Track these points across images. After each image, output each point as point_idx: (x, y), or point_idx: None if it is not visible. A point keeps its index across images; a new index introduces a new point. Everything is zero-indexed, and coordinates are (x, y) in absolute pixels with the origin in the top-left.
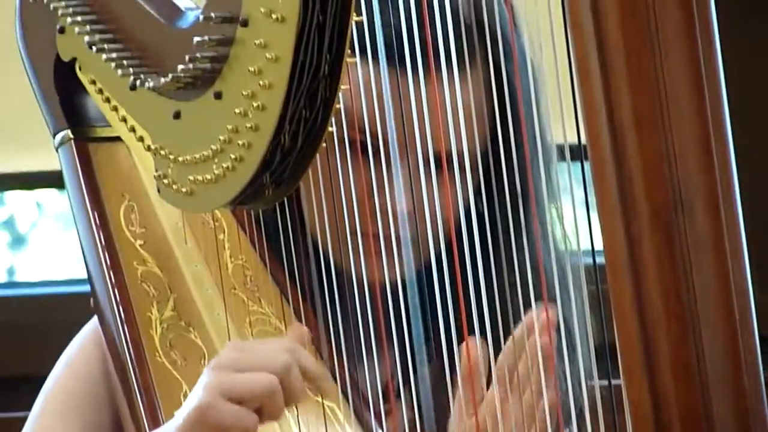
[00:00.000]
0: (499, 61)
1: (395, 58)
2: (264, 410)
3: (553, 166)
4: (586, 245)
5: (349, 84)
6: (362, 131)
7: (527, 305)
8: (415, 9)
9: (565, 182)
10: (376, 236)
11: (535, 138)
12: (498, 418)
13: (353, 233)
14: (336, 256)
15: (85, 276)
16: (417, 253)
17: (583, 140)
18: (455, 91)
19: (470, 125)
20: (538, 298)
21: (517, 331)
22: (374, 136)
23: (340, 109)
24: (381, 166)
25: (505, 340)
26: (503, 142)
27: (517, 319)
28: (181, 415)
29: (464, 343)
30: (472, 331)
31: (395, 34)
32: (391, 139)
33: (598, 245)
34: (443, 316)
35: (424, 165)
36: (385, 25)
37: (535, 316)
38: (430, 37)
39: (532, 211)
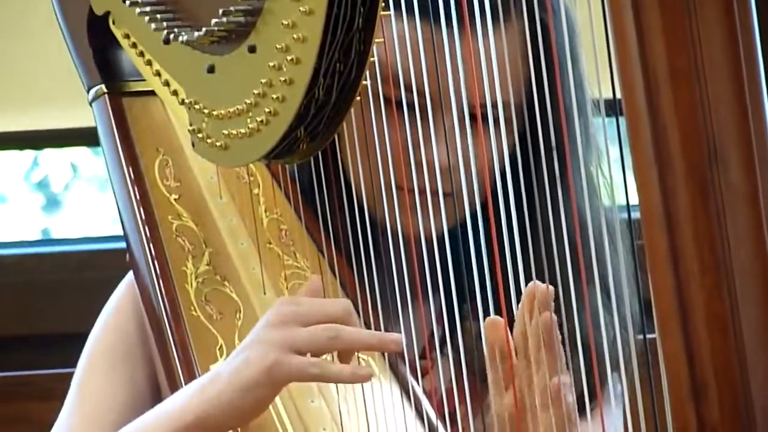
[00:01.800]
0: (535, 12)
1: (430, 12)
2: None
3: (590, 120)
4: (620, 200)
5: (384, 38)
6: (398, 86)
7: (564, 261)
8: None
9: (600, 136)
10: (413, 190)
11: (572, 92)
12: (525, 393)
13: (390, 187)
14: (373, 210)
15: (120, 233)
16: (454, 207)
17: (618, 95)
18: (492, 43)
19: (507, 78)
20: (575, 253)
21: (519, 308)
22: (410, 91)
23: (374, 62)
24: (418, 120)
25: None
26: (541, 95)
27: (553, 275)
28: (237, 374)
29: (488, 320)
30: (508, 289)
31: None
32: (428, 93)
33: (633, 200)
34: (479, 273)
35: (461, 119)
36: None
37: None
38: None
39: (568, 165)
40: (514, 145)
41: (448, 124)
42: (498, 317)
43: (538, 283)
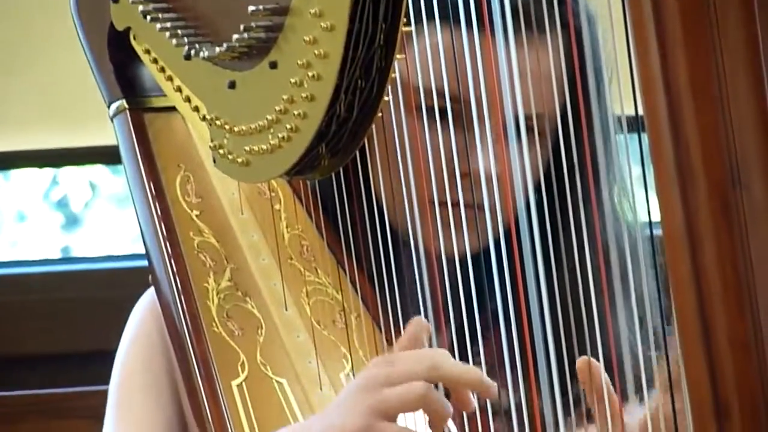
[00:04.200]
0: (574, 25)
1: (467, 21)
2: (429, 417)
3: (613, 136)
4: (642, 218)
5: (404, 53)
6: (429, 94)
7: (597, 281)
8: None
9: (622, 154)
10: (435, 203)
11: (607, 106)
12: None
13: (423, 202)
14: (398, 225)
15: (140, 251)
16: (476, 224)
17: (640, 112)
18: (527, 52)
19: (545, 90)
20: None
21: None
22: (443, 97)
23: (396, 78)
24: (455, 130)
25: (566, 317)
26: (576, 110)
27: (576, 292)
28: None
29: (581, 361)
30: (529, 311)
31: None
32: (448, 98)
33: (655, 218)
34: (502, 292)
35: (496, 130)
36: None
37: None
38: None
39: (602, 180)
40: (548, 160)
41: (480, 134)
42: (588, 359)
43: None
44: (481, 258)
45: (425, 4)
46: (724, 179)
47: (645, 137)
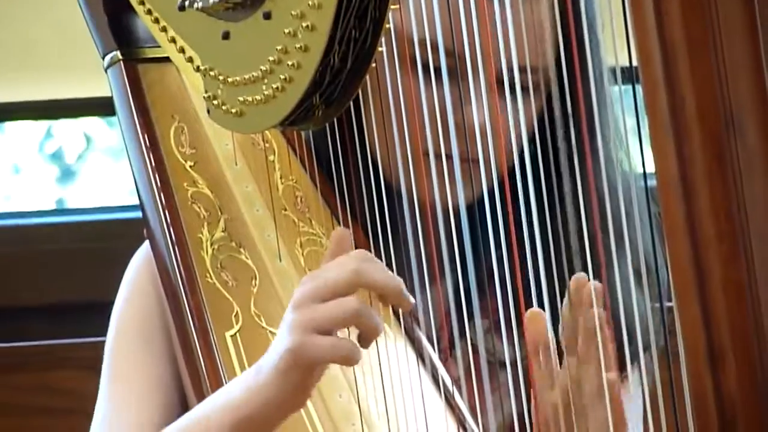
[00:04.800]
0: None
1: None
2: (360, 332)
3: (608, 88)
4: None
5: (398, 3)
6: (425, 48)
7: (592, 231)
8: None
9: (616, 105)
10: (431, 155)
11: (601, 58)
12: (575, 390)
13: (415, 153)
14: (392, 178)
15: (135, 203)
16: (471, 176)
17: (635, 62)
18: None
19: (539, 41)
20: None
21: (565, 306)
22: (444, 54)
23: (390, 29)
24: (450, 82)
25: (560, 267)
26: (570, 61)
27: (570, 244)
28: (270, 363)
29: (529, 313)
30: (525, 261)
31: None
32: (442, 54)
33: (649, 168)
34: (496, 244)
35: (489, 83)
36: None
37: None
38: None
39: (595, 134)
40: (542, 111)
41: (475, 87)
42: (539, 310)
43: (590, 279)
44: (475, 209)
45: None
46: (719, 128)
47: (639, 88)
